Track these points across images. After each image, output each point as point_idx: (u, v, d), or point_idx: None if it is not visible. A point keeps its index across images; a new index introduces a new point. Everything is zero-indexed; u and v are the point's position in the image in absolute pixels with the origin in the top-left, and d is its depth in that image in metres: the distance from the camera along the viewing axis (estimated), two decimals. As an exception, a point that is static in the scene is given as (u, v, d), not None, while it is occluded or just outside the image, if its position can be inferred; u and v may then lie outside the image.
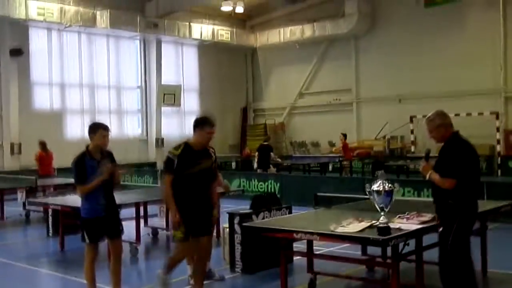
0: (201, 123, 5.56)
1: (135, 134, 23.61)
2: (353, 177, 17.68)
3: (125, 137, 22.83)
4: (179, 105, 23.92)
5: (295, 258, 7.14)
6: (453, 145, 4.88)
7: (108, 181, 5.60)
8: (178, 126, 24.63)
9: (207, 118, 5.68)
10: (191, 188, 5.46)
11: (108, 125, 5.77)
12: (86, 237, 5.57)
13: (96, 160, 5.54)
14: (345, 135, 18.65)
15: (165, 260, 5.89)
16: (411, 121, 20.91)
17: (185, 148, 5.49)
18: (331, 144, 24.26)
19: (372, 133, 23.07)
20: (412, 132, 21.18)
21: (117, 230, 5.76)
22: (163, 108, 23.67)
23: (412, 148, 21.16)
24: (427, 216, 5.37)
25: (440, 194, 4.89)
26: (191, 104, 25.32)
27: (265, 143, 17.61)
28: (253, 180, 15.30)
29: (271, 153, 17.66)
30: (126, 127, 23.23)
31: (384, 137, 22.79)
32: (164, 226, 9.63)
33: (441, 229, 4.89)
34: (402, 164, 17.99)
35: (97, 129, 5.59)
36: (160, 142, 23.60)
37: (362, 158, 21.31)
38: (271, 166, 17.55)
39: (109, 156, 5.69)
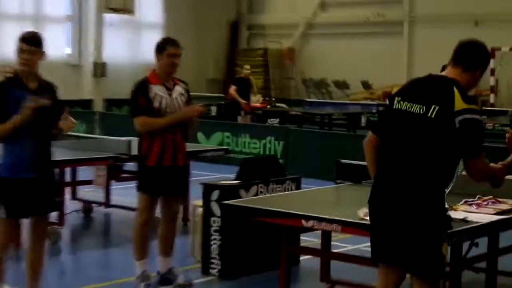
0: None
1: (60, 55, 23.42)
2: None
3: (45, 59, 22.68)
4: (132, 12, 23.71)
5: (302, 257, 7.24)
6: None
7: (42, 127, 5.62)
8: (129, 45, 24.50)
9: None
10: None
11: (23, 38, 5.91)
12: (2, 207, 5.55)
13: (27, 90, 5.62)
14: None
15: None
16: (493, 55, 20.85)
17: None
18: (367, 86, 24.25)
19: (432, 70, 23.01)
20: (492, 73, 21.13)
21: (50, 204, 5.80)
22: (107, 17, 23.47)
23: (491, 98, 21.15)
24: (509, 203, 5.42)
25: None
26: (151, 12, 25.07)
27: (242, 75, 19.45)
28: (242, 136, 15.35)
29: (250, 89, 18.90)
30: (46, 44, 23.04)
31: (449, 78, 22.82)
32: (103, 200, 9.69)
33: None
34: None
35: (19, 42, 5.80)
36: (100, 69, 23.45)
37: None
38: (241, 112, 18.32)
39: (50, 90, 5.83)
